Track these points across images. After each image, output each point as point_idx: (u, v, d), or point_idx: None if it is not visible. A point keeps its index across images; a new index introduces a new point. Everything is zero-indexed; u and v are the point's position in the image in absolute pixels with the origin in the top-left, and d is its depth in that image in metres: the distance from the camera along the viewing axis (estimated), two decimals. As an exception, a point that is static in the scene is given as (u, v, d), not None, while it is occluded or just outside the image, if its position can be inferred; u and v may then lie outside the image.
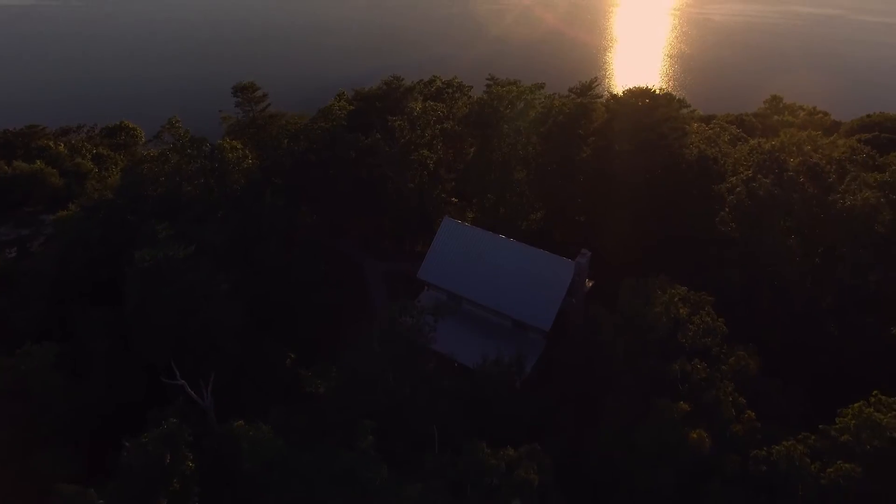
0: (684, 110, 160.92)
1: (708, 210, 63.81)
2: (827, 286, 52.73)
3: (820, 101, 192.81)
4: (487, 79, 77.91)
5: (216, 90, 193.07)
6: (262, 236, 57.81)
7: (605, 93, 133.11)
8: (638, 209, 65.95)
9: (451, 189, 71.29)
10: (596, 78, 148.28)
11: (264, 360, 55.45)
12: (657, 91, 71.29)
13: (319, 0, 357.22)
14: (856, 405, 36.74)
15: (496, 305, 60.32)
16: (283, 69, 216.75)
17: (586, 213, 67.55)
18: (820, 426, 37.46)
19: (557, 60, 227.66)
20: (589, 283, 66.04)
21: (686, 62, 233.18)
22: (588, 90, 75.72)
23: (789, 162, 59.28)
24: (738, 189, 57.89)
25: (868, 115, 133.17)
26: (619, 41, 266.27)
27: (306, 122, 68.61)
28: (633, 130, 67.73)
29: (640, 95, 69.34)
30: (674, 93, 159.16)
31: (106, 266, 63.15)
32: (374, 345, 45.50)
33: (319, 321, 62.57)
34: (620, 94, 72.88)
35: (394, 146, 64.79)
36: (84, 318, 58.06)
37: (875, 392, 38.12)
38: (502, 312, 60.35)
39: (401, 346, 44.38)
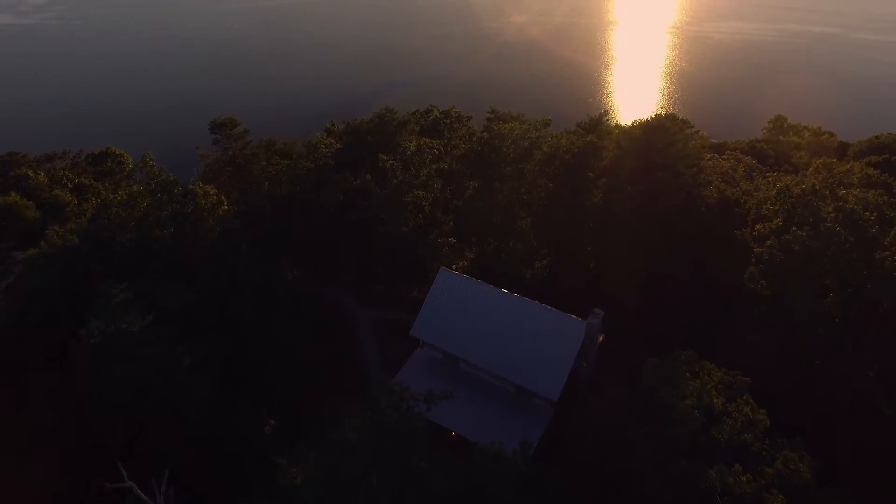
0: (688, 130, 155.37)
1: (732, 260, 56.95)
2: (877, 356, 45.56)
3: (824, 121, 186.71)
4: (488, 112, 71.02)
5: (211, 111, 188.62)
6: (237, 290, 50.89)
7: (610, 117, 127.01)
8: (653, 256, 59.10)
9: (448, 230, 64.42)
10: (605, 111, 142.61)
11: (237, 435, 48.26)
12: (669, 124, 64.52)
13: (320, 19, 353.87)
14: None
15: (497, 370, 53.18)
16: (281, 88, 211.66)
17: (596, 259, 60.69)
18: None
19: (555, 79, 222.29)
20: (600, 338, 59.10)
21: (687, 81, 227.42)
22: (597, 125, 68.87)
23: (823, 208, 52.39)
24: (769, 242, 50.93)
25: (876, 137, 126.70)
26: (617, 60, 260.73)
27: (290, 162, 61.48)
28: (646, 169, 61.04)
29: (652, 130, 62.59)
30: (677, 114, 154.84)
31: (66, 320, 56.53)
32: (356, 435, 38.32)
33: (303, 381, 55.64)
34: (631, 126, 66.13)
35: (385, 187, 58.17)
36: (37, 384, 51.22)
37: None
38: (504, 378, 53.26)
39: (387, 439, 37.30)
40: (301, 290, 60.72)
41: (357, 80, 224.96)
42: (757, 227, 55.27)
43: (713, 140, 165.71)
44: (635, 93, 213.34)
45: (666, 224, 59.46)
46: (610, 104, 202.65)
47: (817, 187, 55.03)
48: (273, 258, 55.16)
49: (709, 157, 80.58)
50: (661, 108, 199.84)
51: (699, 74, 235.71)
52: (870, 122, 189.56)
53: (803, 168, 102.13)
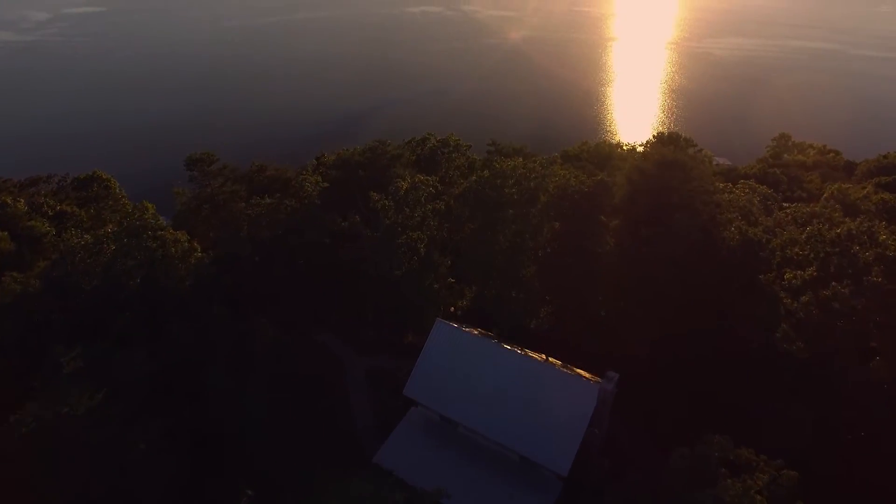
0: (691, 149, 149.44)
1: (758, 311, 50.80)
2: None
3: (828, 138, 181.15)
4: (489, 144, 64.98)
5: (207, 130, 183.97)
6: (209, 354, 44.86)
7: (620, 148, 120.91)
8: (670, 305, 52.96)
9: (446, 270, 58.46)
10: (619, 143, 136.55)
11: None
12: (685, 158, 58.59)
13: (319, 35, 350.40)
14: None
15: (499, 437, 46.86)
16: (279, 104, 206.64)
17: (608, 308, 54.61)
18: None
19: (553, 96, 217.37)
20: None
21: (688, 97, 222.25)
22: (608, 158, 62.79)
23: (863, 255, 46.37)
24: (804, 298, 44.85)
25: (884, 156, 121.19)
26: (617, 76, 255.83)
27: (273, 201, 55.23)
28: (661, 208, 55.00)
29: (668, 166, 56.63)
30: (680, 131, 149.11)
31: (25, 377, 50.48)
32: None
33: (284, 450, 49.48)
34: (644, 159, 60.16)
35: (377, 228, 52.40)
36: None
37: None
38: (507, 447, 46.98)
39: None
40: (285, 338, 54.65)
41: (355, 97, 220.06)
42: (787, 275, 49.18)
43: (718, 159, 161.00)
44: (636, 109, 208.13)
45: (684, 269, 53.37)
46: (610, 121, 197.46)
47: (854, 231, 49.01)
48: (252, 310, 49.11)
49: (722, 185, 74.59)
50: (663, 125, 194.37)
51: (700, 91, 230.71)
52: (874, 140, 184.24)
53: (816, 193, 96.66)
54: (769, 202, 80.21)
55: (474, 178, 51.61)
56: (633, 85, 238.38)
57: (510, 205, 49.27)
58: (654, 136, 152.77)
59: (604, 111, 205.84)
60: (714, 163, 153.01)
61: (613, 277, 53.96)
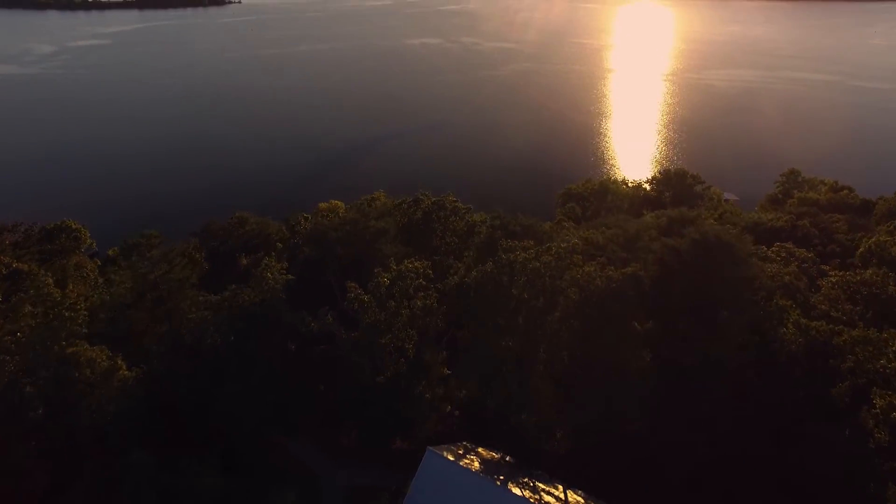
0: (698, 187, 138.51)
1: (833, 440, 39.23)
2: None
3: (834, 171, 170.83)
4: (493, 217, 53.66)
5: (194, 170, 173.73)
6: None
7: (615, 171, 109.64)
8: (718, 423, 41.46)
9: (441, 371, 47.09)
10: (624, 180, 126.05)
11: None
12: (732, 239, 47.30)
13: (319, 66, 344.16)
14: None
15: None
16: (275, 138, 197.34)
17: (641, 427, 43.17)
18: None
19: (554, 129, 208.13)
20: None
21: (691, 130, 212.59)
22: (636, 239, 51.25)
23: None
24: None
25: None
26: (617, 108, 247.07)
27: (226, 295, 43.45)
28: (703, 297, 43.73)
29: (709, 251, 45.28)
30: (685, 168, 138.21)
31: None
32: None
33: None
34: (678, 240, 48.87)
35: (357, 324, 41.40)
36: None
37: None
38: None
39: None
40: (243, 453, 42.72)
41: (352, 130, 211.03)
42: (876, 399, 37.64)
43: (726, 195, 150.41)
44: (638, 142, 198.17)
45: (734, 379, 41.96)
46: (612, 154, 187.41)
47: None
48: (188, 447, 37.15)
49: (753, 244, 63.08)
50: (667, 158, 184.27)
51: (702, 122, 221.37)
52: (881, 172, 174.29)
53: (848, 244, 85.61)
54: (808, 266, 69.27)
55: (475, 273, 40.28)
56: (633, 116, 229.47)
57: (520, 308, 38.01)
58: (659, 173, 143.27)
59: (605, 144, 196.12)
60: (723, 199, 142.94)
61: (648, 388, 42.54)
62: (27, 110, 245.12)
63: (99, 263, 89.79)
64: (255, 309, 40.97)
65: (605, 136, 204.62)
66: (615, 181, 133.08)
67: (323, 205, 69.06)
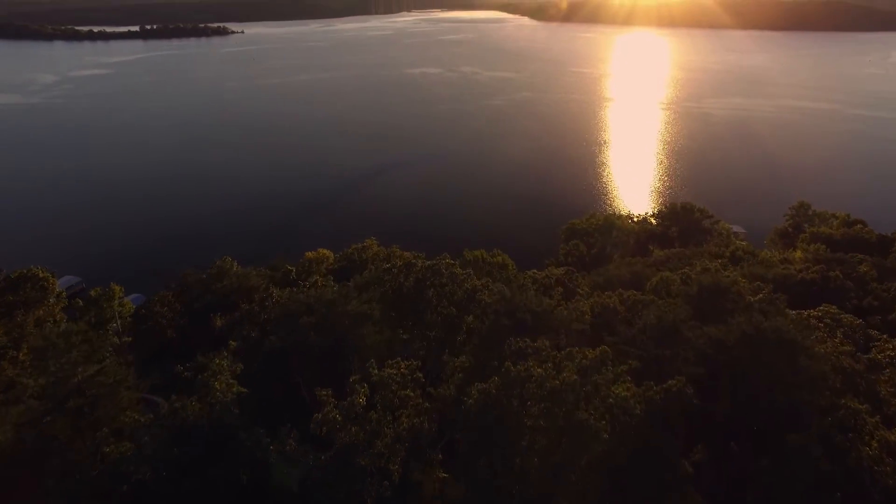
0: (706, 221, 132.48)
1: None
2: None
3: (843, 202, 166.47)
4: (497, 298, 45.48)
5: (185, 208, 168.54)
6: None
7: (618, 203, 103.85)
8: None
9: (435, 491, 39.12)
10: (629, 215, 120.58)
11: None
12: (794, 329, 39.34)
13: (319, 99, 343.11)
14: None
15: None
16: (271, 170, 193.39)
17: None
18: None
19: (555, 160, 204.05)
20: None
21: (693, 159, 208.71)
22: (674, 331, 42.28)
23: None
24: None
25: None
26: (618, 138, 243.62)
27: (166, 411, 35.67)
28: (758, 406, 35.77)
29: (761, 342, 37.43)
30: (693, 202, 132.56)
31: None
32: None
33: None
34: (723, 330, 40.97)
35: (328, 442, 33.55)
36: None
37: None
38: None
39: None
40: None
41: (350, 161, 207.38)
42: None
43: (734, 228, 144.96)
44: (640, 172, 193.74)
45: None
46: (613, 185, 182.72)
47: None
48: None
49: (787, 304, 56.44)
50: (669, 189, 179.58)
51: (704, 152, 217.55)
52: (889, 204, 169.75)
53: (884, 295, 78.76)
54: (856, 334, 60.83)
55: (475, 392, 33.01)
56: (634, 146, 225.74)
57: (534, 443, 30.82)
58: (665, 207, 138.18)
59: (607, 175, 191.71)
60: (723, 225, 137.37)
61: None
62: (18, 141, 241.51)
63: (65, 319, 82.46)
64: (200, 429, 32.90)
65: (606, 166, 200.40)
66: (620, 216, 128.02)
67: (310, 254, 63.17)
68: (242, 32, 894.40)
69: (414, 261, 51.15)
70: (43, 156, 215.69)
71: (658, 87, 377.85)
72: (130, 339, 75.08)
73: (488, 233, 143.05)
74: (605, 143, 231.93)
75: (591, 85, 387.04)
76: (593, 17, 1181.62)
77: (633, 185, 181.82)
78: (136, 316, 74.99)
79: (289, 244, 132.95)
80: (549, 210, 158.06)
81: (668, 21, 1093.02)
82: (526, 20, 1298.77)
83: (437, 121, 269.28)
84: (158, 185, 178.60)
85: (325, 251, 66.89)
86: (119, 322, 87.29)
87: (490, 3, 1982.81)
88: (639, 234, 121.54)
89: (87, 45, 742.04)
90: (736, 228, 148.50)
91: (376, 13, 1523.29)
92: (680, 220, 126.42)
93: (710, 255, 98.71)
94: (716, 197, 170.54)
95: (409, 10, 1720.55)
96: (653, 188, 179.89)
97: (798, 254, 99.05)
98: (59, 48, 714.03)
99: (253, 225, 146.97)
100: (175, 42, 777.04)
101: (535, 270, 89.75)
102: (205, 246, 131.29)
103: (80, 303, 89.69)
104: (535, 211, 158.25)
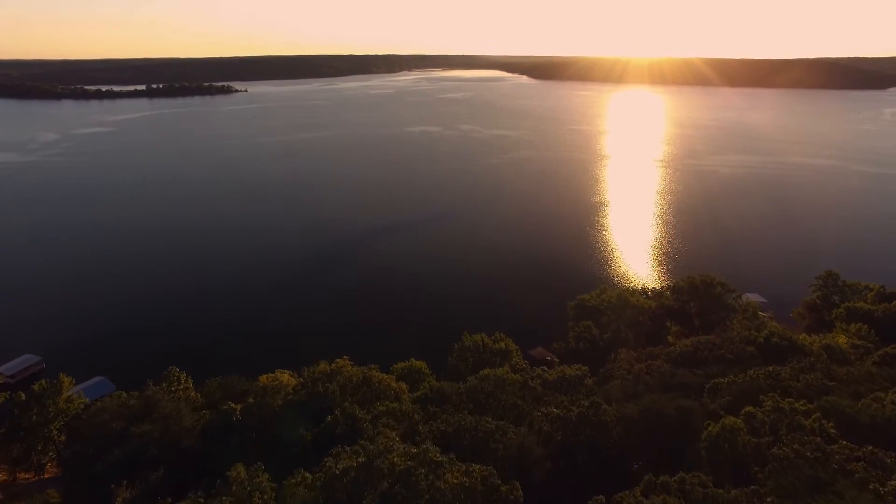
0: (728, 296, 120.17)
1: None
2: None
3: (861, 265, 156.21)
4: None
5: (178, 282, 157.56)
6: None
7: (626, 272, 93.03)
8: None
9: None
10: (644, 288, 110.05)
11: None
12: None
13: (318, 158, 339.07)
14: None
15: None
16: (268, 236, 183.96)
17: None
18: None
19: (557, 222, 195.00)
20: None
21: (701, 220, 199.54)
22: None
23: None
24: None
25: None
26: (621, 197, 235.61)
27: None
28: None
29: None
30: (713, 276, 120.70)
31: None
32: None
33: None
34: None
35: None
36: None
37: None
38: None
39: None
40: None
41: (348, 224, 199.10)
42: None
43: (750, 296, 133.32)
44: (647, 237, 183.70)
45: None
46: (620, 251, 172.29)
47: None
48: None
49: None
50: (680, 254, 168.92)
51: (714, 213, 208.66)
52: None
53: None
54: None
55: None
56: (639, 207, 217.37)
57: None
58: (683, 281, 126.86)
59: (613, 238, 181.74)
60: (745, 299, 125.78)
61: None
62: (6, 202, 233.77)
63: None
64: None
65: (612, 230, 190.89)
66: (633, 291, 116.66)
67: (265, 378, 51.28)
68: (246, 91, 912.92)
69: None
70: (21, 217, 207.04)
71: (657, 144, 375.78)
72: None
73: (490, 305, 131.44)
74: (609, 204, 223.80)
75: (591, 142, 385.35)
76: (588, 76, 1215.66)
77: (642, 250, 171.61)
78: (70, 431, 62.28)
79: (263, 331, 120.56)
80: (554, 278, 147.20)
81: (660, 79, 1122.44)
82: (524, 79, 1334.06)
83: (435, 181, 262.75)
84: (138, 254, 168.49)
85: (283, 375, 53.12)
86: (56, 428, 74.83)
87: (489, 62, 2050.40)
88: (655, 312, 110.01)
89: (93, 104, 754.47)
90: (755, 297, 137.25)
91: (378, 72, 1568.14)
92: (699, 295, 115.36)
93: (741, 340, 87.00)
94: (729, 261, 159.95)
95: (409, 69, 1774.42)
96: (662, 252, 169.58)
97: (841, 339, 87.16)
98: (67, 107, 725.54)
99: (228, 310, 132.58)
100: (179, 100, 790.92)
101: (544, 368, 77.66)
102: (175, 331, 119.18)
103: (23, 397, 78.06)
104: (539, 279, 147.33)
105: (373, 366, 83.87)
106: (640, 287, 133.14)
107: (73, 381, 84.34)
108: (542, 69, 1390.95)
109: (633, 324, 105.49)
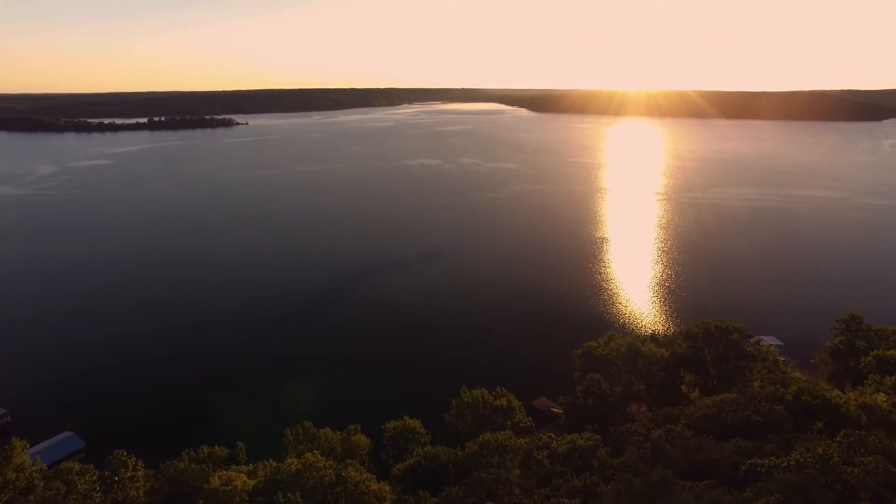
0: (746, 343, 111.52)
1: None
2: None
3: (880, 305, 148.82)
4: None
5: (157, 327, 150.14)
6: None
7: (632, 313, 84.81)
8: None
9: None
10: (654, 335, 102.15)
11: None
12: None
13: (316, 191, 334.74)
14: None
15: None
16: (263, 268, 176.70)
17: None
18: None
19: (558, 261, 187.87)
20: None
21: (711, 258, 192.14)
22: None
23: None
24: None
25: None
26: (626, 232, 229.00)
27: None
28: None
29: None
30: (729, 322, 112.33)
31: None
32: None
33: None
34: None
35: None
36: None
37: None
38: None
39: None
40: None
41: (345, 259, 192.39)
42: None
43: (766, 339, 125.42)
44: (652, 274, 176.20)
45: None
46: (626, 292, 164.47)
47: None
48: None
49: None
50: (690, 296, 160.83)
51: (721, 249, 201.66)
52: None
53: None
54: None
55: None
56: (643, 242, 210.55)
57: None
58: (696, 327, 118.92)
59: (618, 276, 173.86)
60: (761, 343, 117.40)
61: None
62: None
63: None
64: None
65: (617, 268, 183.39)
66: (643, 338, 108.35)
67: (216, 481, 42.88)
68: (247, 124, 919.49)
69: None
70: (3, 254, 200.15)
71: (658, 176, 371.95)
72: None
73: (490, 350, 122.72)
74: (611, 240, 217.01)
75: (591, 175, 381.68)
76: (586, 108, 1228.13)
77: (647, 288, 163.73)
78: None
79: (247, 378, 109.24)
80: (556, 319, 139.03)
81: (656, 111, 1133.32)
82: (524, 111, 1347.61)
83: (432, 216, 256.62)
84: (117, 293, 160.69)
85: (240, 477, 43.89)
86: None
87: (489, 95, 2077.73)
88: (667, 361, 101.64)
89: (95, 136, 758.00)
90: (771, 340, 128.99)
91: (379, 105, 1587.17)
92: (714, 342, 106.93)
93: (767, 398, 78.53)
94: (739, 300, 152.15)
95: (410, 102, 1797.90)
96: (668, 291, 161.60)
97: (881, 397, 78.66)
98: (69, 139, 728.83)
99: (209, 355, 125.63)
100: (181, 133, 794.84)
101: (551, 435, 69.23)
102: (152, 378, 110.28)
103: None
104: (540, 321, 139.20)
105: (355, 432, 75.54)
106: (649, 332, 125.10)
107: (28, 445, 75.88)
108: (542, 102, 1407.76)
109: (644, 374, 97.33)
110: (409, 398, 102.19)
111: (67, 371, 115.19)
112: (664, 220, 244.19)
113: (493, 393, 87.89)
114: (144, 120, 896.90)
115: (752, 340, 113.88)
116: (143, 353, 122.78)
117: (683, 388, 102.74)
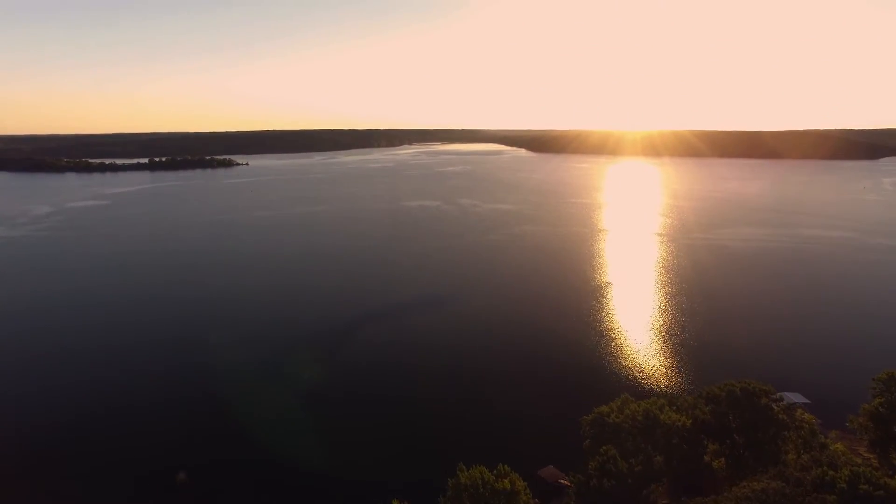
0: (777, 409, 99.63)
1: None
2: None
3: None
4: None
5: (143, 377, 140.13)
6: None
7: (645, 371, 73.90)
8: None
9: None
10: (673, 400, 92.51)
11: None
12: None
13: (312, 234, 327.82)
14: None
15: None
16: (260, 316, 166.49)
17: None
18: None
19: (562, 305, 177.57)
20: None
21: (724, 304, 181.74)
22: None
23: None
24: None
25: None
26: (631, 275, 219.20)
27: None
28: None
29: None
30: (758, 384, 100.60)
31: None
32: None
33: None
34: None
35: None
36: None
37: None
38: None
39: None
40: None
41: (341, 307, 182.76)
42: None
43: (789, 396, 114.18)
44: (664, 326, 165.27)
45: None
46: (637, 345, 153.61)
47: None
48: None
49: None
50: (703, 348, 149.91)
51: (734, 295, 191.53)
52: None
53: None
54: None
55: None
56: (650, 288, 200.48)
57: None
58: (719, 389, 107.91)
59: (622, 325, 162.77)
60: (783, 399, 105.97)
61: None
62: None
63: None
64: None
65: (619, 315, 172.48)
66: (661, 404, 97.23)
67: None
68: (247, 164, 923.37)
69: None
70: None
71: (660, 217, 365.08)
72: None
73: (489, 413, 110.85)
74: (614, 285, 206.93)
75: (593, 216, 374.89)
76: (584, 148, 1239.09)
77: (656, 338, 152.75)
78: None
79: (228, 442, 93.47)
80: (561, 374, 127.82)
81: (653, 151, 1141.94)
82: (523, 152, 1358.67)
83: (430, 260, 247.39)
84: (106, 342, 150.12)
85: None
86: None
87: (488, 135, 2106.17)
88: (690, 431, 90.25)
89: (96, 177, 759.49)
90: (796, 398, 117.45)
91: (379, 146, 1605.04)
92: (741, 407, 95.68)
93: (814, 485, 67.00)
94: (757, 351, 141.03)
95: (410, 142, 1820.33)
96: (679, 342, 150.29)
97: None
98: (70, 179, 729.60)
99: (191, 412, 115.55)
100: (181, 173, 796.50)
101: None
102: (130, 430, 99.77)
103: None
104: (544, 376, 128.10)
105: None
106: (663, 388, 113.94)
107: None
108: (540, 142, 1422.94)
109: (664, 446, 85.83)
110: (398, 470, 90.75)
111: (57, 415, 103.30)
112: (669, 263, 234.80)
113: (495, 472, 76.31)
114: (145, 160, 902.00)
115: (781, 403, 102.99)
116: (132, 397, 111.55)
117: (706, 456, 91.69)
